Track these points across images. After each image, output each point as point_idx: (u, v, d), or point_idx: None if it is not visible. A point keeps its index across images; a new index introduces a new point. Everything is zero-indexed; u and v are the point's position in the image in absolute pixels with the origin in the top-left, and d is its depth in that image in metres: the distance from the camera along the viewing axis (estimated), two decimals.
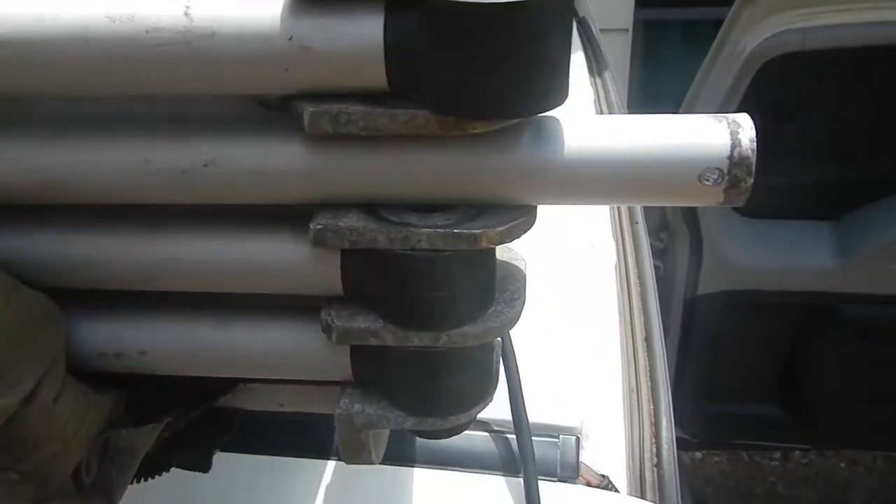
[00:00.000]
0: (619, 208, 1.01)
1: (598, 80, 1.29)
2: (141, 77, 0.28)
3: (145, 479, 0.41)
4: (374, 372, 0.36)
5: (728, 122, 0.29)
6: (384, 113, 0.28)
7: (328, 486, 0.57)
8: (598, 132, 0.30)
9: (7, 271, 0.32)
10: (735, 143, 0.29)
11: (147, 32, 0.28)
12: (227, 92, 0.29)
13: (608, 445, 0.69)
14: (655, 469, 0.71)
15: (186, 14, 0.28)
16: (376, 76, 0.28)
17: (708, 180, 0.29)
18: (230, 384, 0.40)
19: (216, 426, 0.43)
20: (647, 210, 2.07)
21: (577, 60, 1.30)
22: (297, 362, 0.37)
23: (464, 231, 0.31)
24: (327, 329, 0.35)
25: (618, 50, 2.28)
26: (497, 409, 0.60)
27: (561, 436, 0.61)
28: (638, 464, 0.71)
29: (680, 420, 2.27)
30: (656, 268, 2.18)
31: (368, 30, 0.27)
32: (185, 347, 0.37)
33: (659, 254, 2.10)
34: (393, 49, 0.27)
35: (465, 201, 0.31)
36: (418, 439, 0.60)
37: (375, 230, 0.31)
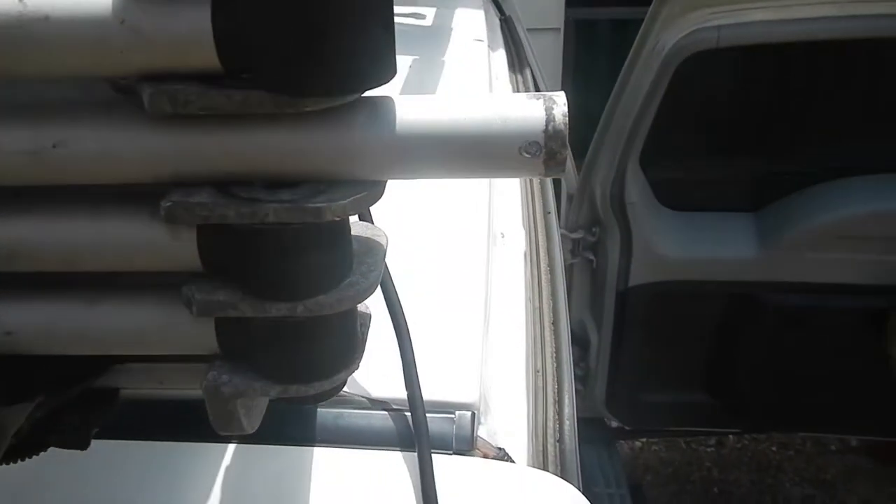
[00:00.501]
0: (531, 199, 1.04)
1: (518, 76, 1.33)
2: None
3: (23, 459, 0.42)
4: (238, 344, 0.38)
5: (544, 100, 0.32)
6: (220, 93, 0.30)
7: (226, 469, 0.58)
8: (427, 109, 0.33)
9: None
10: (549, 118, 0.31)
11: None
12: (66, 74, 0.31)
13: (509, 422, 0.72)
14: (557, 444, 0.74)
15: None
16: (208, 58, 0.29)
17: (528, 153, 0.32)
18: (104, 363, 0.41)
19: (94, 405, 0.44)
20: (578, 205, 2.12)
21: (499, 57, 1.33)
22: (165, 338, 0.38)
23: (308, 205, 0.33)
24: (188, 303, 0.36)
25: (549, 49, 2.33)
26: (396, 387, 0.62)
27: (457, 412, 0.64)
28: (541, 439, 0.74)
29: (616, 409, 2.33)
30: (589, 262, 2.24)
31: (197, 13, 0.29)
32: (51, 327, 0.38)
33: (592, 247, 2.16)
34: (221, 31, 0.29)
35: (307, 177, 0.33)
36: (318, 419, 0.62)
37: (225, 206, 0.33)
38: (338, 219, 0.34)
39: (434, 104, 0.33)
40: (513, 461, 0.65)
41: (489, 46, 1.29)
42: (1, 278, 0.37)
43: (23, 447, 0.41)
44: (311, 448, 0.60)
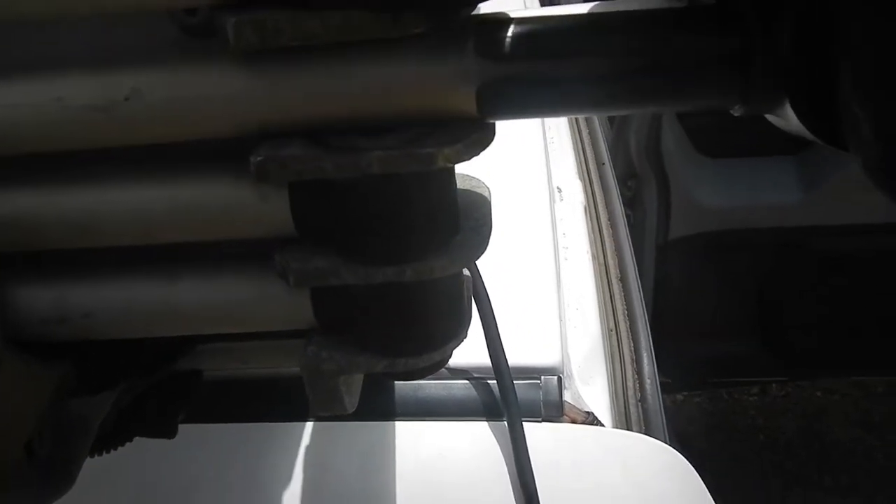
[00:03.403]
0: (583, 150, 0.99)
1: None
2: None
3: (107, 452, 0.39)
4: (338, 315, 0.34)
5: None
6: (314, 16, 0.26)
7: (307, 449, 0.55)
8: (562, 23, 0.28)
9: None
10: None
11: None
12: (129, 7, 0.26)
13: (591, 384, 0.68)
14: (640, 404, 0.71)
15: None
16: None
17: None
18: (187, 345, 0.38)
19: (178, 390, 0.41)
20: (613, 158, 2.06)
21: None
22: (255, 312, 0.35)
23: (417, 150, 0.29)
24: (283, 273, 0.32)
25: None
26: (476, 354, 0.59)
27: (542, 377, 0.60)
28: (622, 400, 0.70)
29: (659, 364, 2.30)
30: (627, 216, 2.19)
31: None
32: (131, 306, 0.34)
33: (629, 202, 2.10)
34: None
35: (417, 116, 0.29)
36: (397, 392, 0.58)
37: (321, 157, 0.29)
38: (450, 165, 0.30)
39: (561, 10, 0.28)
40: (602, 425, 0.61)
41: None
42: (74, 256, 0.33)
43: (109, 438, 0.38)
44: (392, 423, 0.57)
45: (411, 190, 0.30)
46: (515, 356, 0.61)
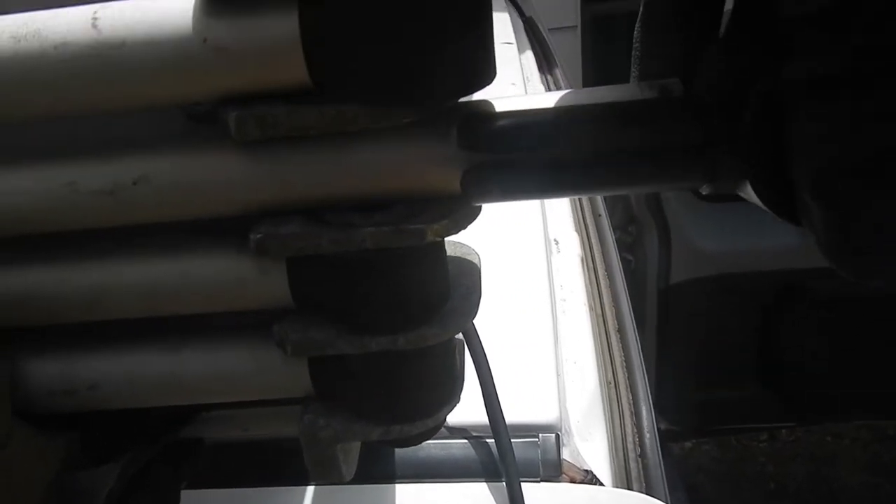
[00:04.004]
0: (580, 202, 1.01)
1: (549, 76, 1.30)
2: (54, 96, 0.27)
3: None
4: (335, 383, 0.35)
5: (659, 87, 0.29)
6: (311, 110, 0.28)
7: None
8: (535, 107, 0.30)
9: None
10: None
11: (55, 49, 0.26)
12: (146, 103, 0.28)
13: (590, 440, 0.68)
14: (640, 459, 0.71)
15: (94, 26, 0.27)
16: (297, 71, 0.27)
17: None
18: (190, 413, 0.39)
19: (181, 459, 0.41)
20: (613, 204, 2.08)
21: (528, 59, 1.31)
22: (255, 382, 0.36)
23: (409, 226, 0.30)
24: (281, 343, 0.33)
25: (568, 46, 2.29)
26: (473, 412, 0.59)
27: (540, 434, 0.61)
28: (622, 455, 0.70)
29: (665, 411, 2.28)
30: (627, 261, 2.20)
31: (284, 24, 0.26)
32: (135, 377, 0.35)
33: (629, 247, 2.12)
34: (310, 41, 0.26)
35: (406, 195, 0.31)
36: (396, 454, 0.59)
37: (318, 234, 0.30)
38: (438, 240, 0.31)
39: (534, 101, 0.30)
40: (601, 483, 0.62)
41: (518, 49, 1.26)
42: (79, 329, 0.35)
43: None
44: (392, 486, 0.57)
45: (403, 263, 0.32)
46: (513, 413, 0.61)
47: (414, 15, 0.25)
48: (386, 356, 0.33)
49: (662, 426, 2.31)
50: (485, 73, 0.28)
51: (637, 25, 0.31)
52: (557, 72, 1.26)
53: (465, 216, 0.31)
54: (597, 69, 2.33)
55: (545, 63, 1.30)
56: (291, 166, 0.30)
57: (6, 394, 0.33)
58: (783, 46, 0.24)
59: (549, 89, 1.19)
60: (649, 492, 0.68)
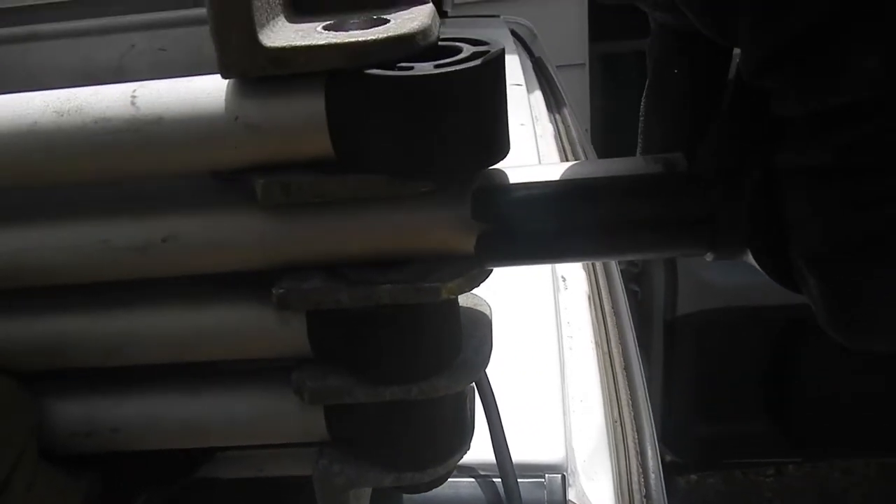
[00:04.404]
0: None
1: (557, 116, 1.32)
2: (93, 166, 0.29)
3: None
4: (349, 430, 0.36)
5: (664, 162, 0.31)
6: (334, 180, 0.29)
7: None
8: (546, 178, 0.31)
9: None
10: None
11: (95, 123, 0.28)
12: (178, 172, 0.30)
13: (595, 479, 0.69)
14: (644, 500, 0.71)
15: (133, 103, 0.28)
16: (323, 148, 0.28)
17: None
18: (207, 454, 0.40)
19: (195, 498, 0.42)
20: None
21: (537, 99, 1.33)
22: (272, 427, 0.37)
23: (424, 285, 0.32)
24: (299, 391, 0.35)
25: (576, 84, 2.33)
26: (480, 451, 0.60)
27: (546, 475, 0.61)
28: (627, 496, 0.71)
29: (671, 444, 2.26)
30: (634, 292, 2.19)
31: (310, 106, 0.28)
32: (156, 421, 0.37)
33: (635, 278, 2.12)
34: (336, 122, 0.28)
35: (423, 255, 0.32)
36: (404, 495, 0.60)
37: (338, 290, 0.32)
38: (452, 297, 0.32)
39: (543, 171, 0.32)
40: None
41: (527, 89, 1.29)
42: (105, 373, 0.36)
43: None
44: None
45: (418, 318, 0.33)
46: (519, 452, 0.62)
47: (434, 106, 0.27)
48: (399, 405, 0.35)
49: (668, 458, 2.29)
50: (501, 148, 0.30)
51: (643, 100, 0.32)
52: (565, 110, 1.28)
53: (479, 275, 0.33)
54: (605, 105, 2.37)
55: (553, 102, 1.32)
56: (313, 228, 0.31)
57: (34, 436, 0.34)
58: (773, 139, 0.26)
59: (556, 128, 1.21)
60: None
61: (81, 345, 0.34)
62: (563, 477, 0.62)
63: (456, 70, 0.27)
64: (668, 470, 2.36)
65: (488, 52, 0.29)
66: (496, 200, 0.29)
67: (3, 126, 0.29)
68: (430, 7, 0.31)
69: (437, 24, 0.31)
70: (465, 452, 0.39)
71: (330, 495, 0.37)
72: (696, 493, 2.70)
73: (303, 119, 0.28)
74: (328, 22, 0.30)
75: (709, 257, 0.29)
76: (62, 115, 0.29)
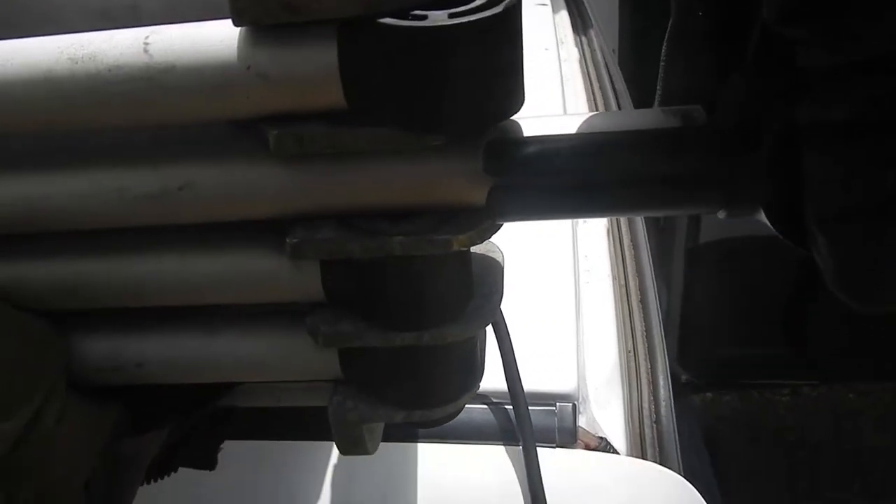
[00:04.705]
0: None
1: (583, 37, 1.28)
2: (107, 114, 0.29)
3: (154, 481, 0.43)
4: (362, 371, 0.38)
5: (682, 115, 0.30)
6: (347, 132, 0.29)
7: (327, 468, 0.59)
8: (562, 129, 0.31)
9: (6, 298, 0.34)
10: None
11: (109, 71, 0.28)
12: (192, 121, 0.30)
13: (607, 407, 0.71)
14: (654, 426, 0.73)
15: (146, 51, 0.28)
16: (335, 99, 0.28)
17: None
18: (228, 386, 0.42)
19: (218, 425, 0.45)
20: None
21: (563, 19, 1.28)
22: (287, 366, 0.38)
23: (436, 237, 0.32)
24: (313, 334, 0.36)
25: (604, 1, 2.22)
26: (496, 380, 0.62)
27: (557, 403, 0.63)
28: (637, 423, 0.73)
29: (688, 365, 2.30)
30: (656, 220, 2.18)
31: (323, 55, 0.27)
32: (177, 358, 0.38)
33: None
34: (348, 72, 0.28)
35: (435, 207, 0.32)
36: None
37: (350, 240, 0.32)
38: (464, 249, 0.33)
39: (557, 123, 0.31)
40: (616, 451, 0.64)
41: (552, 9, 1.24)
42: (130, 312, 0.38)
43: (156, 470, 0.43)
44: (413, 444, 0.61)
45: (429, 268, 0.33)
46: (532, 382, 0.64)
47: (445, 58, 0.27)
48: (410, 350, 0.36)
49: (684, 378, 2.33)
50: (515, 101, 0.29)
51: (664, 44, 0.31)
52: (592, 32, 1.24)
53: (490, 228, 0.33)
54: (633, 27, 2.27)
55: (580, 22, 1.27)
56: (326, 179, 0.31)
57: (64, 373, 0.36)
58: (796, 92, 0.25)
59: (581, 51, 1.18)
60: (662, 458, 0.70)
61: (104, 287, 0.36)
62: (574, 405, 0.64)
63: (469, 21, 0.26)
64: (684, 389, 2.40)
65: (503, 0, 0.28)
66: (508, 154, 0.29)
67: (19, 73, 0.29)
68: None
69: None
70: (476, 391, 0.40)
71: (343, 429, 0.38)
72: (712, 409, 2.76)
73: (315, 69, 0.28)
74: None
75: (721, 215, 0.29)
76: (76, 63, 0.28)
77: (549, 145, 0.28)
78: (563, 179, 0.28)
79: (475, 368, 0.39)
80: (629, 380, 0.75)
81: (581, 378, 0.67)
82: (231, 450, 0.57)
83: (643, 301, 0.85)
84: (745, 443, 2.62)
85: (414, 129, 0.29)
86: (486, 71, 0.28)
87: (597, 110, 0.96)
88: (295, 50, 0.28)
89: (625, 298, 0.84)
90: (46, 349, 0.35)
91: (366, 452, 0.40)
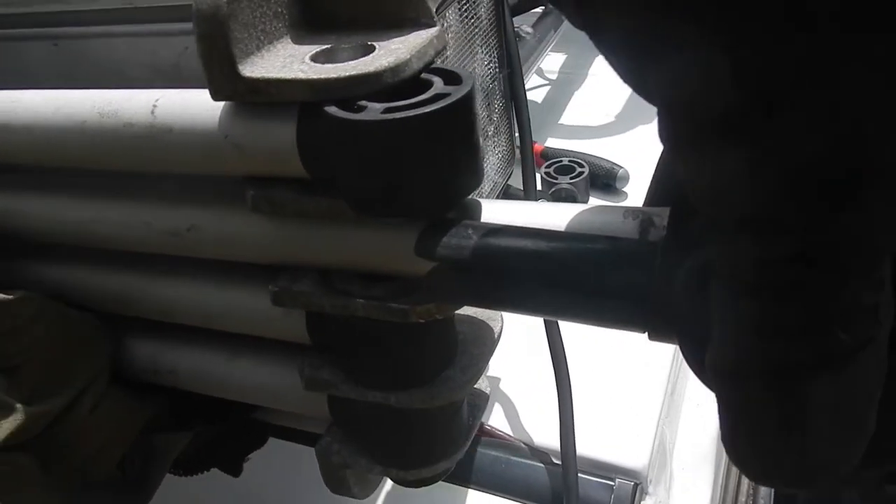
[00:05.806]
0: None
1: None
2: (123, 159, 0.34)
3: (188, 475, 0.49)
4: (346, 418, 0.39)
5: (641, 218, 0.28)
6: (309, 200, 0.31)
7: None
8: (524, 216, 0.30)
9: (60, 298, 0.40)
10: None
11: (124, 126, 0.33)
12: (188, 173, 0.34)
13: (690, 491, 0.65)
14: None
15: (153, 112, 0.32)
16: (299, 170, 0.30)
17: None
18: (251, 406, 0.46)
19: (248, 437, 0.49)
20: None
21: None
22: (291, 398, 0.41)
23: (395, 305, 0.32)
24: (300, 375, 0.38)
25: None
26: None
27: (618, 479, 0.60)
28: None
29: None
30: None
31: (285, 131, 0.30)
32: (202, 373, 0.43)
33: None
34: (305, 149, 0.30)
35: (396, 275, 0.33)
36: (475, 462, 0.62)
37: (320, 296, 0.34)
38: (422, 321, 0.33)
39: (515, 209, 0.30)
40: None
41: None
42: (166, 325, 0.43)
43: (188, 466, 0.48)
44: (465, 489, 0.61)
45: (396, 334, 0.34)
46: (597, 448, 0.61)
47: (377, 148, 0.27)
48: (385, 408, 0.36)
49: None
50: (461, 188, 0.29)
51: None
52: None
53: (451, 305, 0.33)
54: None
55: None
56: (298, 237, 0.33)
57: (104, 367, 0.42)
58: (692, 242, 0.22)
59: None
60: None
61: (138, 300, 0.41)
62: (636, 485, 0.59)
63: (398, 118, 0.27)
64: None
65: (449, 95, 0.28)
66: (436, 240, 0.29)
67: (64, 123, 0.34)
68: (428, 34, 0.30)
69: (430, 53, 0.30)
70: (456, 459, 0.39)
71: (327, 469, 0.40)
72: None
73: (279, 143, 0.30)
74: (324, 47, 0.31)
75: (650, 337, 0.26)
76: (103, 117, 0.33)
77: (478, 236, 0.28)
78: (487, 273, 0.28)
79: (456, 436, 0.39)
80: (724, 461, 0.69)
81: (654, 456, 0.62)
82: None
83: None
84: None
85: (364, 212, 0.30)
86: (423, 163, 0.28)
87: None
88: (262, 124, 0.30)
89: None
90: (89, 347, 0.41)
91: (351, 496, 0.42)
